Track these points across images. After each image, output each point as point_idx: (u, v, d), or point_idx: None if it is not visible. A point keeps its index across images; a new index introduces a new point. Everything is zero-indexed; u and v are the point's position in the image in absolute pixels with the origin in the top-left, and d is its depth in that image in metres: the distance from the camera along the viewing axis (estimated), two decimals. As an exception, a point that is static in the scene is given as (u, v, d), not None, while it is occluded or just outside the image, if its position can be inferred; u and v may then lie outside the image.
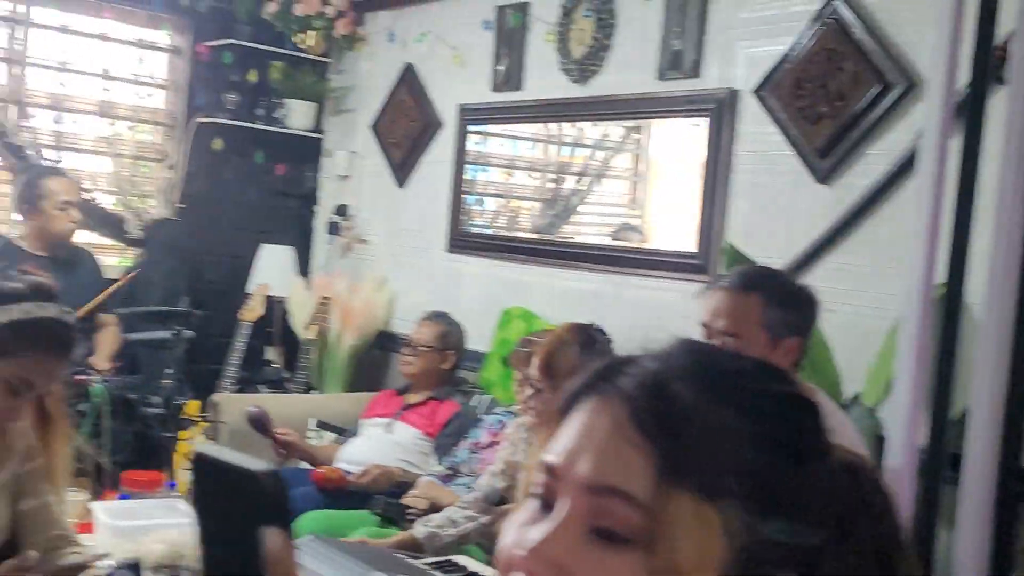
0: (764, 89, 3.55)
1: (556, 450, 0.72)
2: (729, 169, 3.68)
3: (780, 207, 3.53)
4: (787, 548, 0.68)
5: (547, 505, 0.72)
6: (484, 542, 3.08)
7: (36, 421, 2.17)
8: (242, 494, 0.60)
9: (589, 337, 2.98)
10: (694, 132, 3.81)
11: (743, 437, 0.68)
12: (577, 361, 2.85)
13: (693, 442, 0.67)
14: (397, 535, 3.03)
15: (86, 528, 2.73)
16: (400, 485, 3.66)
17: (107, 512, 2.68)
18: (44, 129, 5.05)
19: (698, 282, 3.71)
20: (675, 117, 3.93)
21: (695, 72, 3.79)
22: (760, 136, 3.59)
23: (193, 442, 4.00)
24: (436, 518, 3.06)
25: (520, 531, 0.72)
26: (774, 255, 3.39)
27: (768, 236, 3.54)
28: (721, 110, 3.67)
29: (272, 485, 0.60)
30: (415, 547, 2.94)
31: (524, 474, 2.97)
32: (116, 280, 4.67)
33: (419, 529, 2.99)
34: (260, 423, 3.80)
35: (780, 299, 2.35)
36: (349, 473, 3.75)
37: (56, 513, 2.21)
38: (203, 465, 0.62)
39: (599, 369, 0.75)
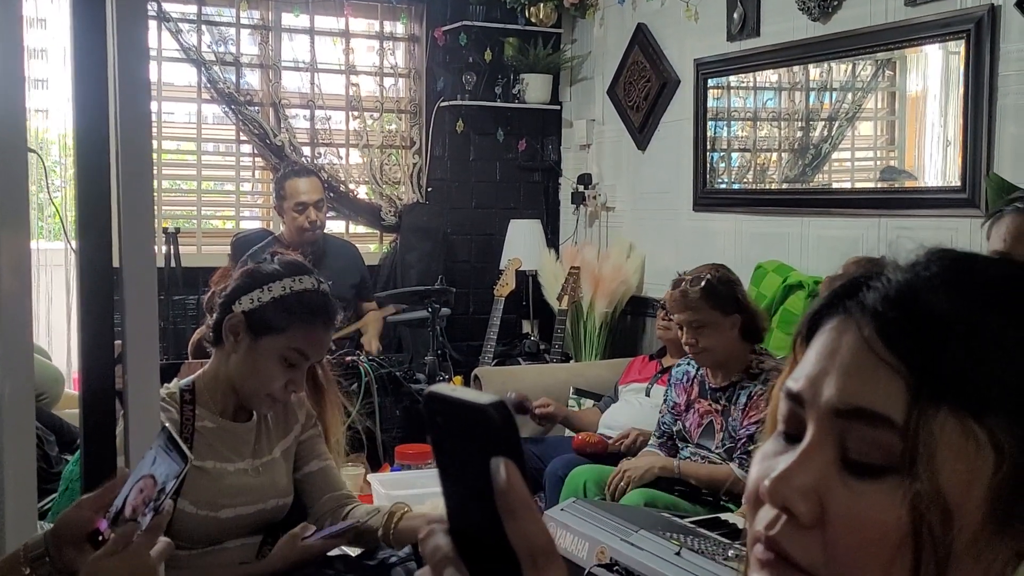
0: (1029, 0, 3.26)
1: (798, 376, 0.68)
2: (993, 93, 3.40)
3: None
4: None
5: (792, 437, 0.67)
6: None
7: (310, 391, 2.31)
8: (471, 427, 0.61)
9: None
10: (951, 58, 3.55)
11: (1008, 345, 0.62)
12: None
13: (951, 355, 0.62)
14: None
15: (366, 499, 2.87)
16: None
17: (383, 483, 2.81)
18: (300, 128, 5.32)
19: (966, 217, 3.47)
20: (928, 44, 3.67)
21: (948, -9, 3.52)
22: (1027, 53, 3.30)
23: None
24: None
25: (766, 464, 0.68)
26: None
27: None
28: (980, 30, 3.40)
29: (499, 416, 0.60)
30: None
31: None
32: (374, 266, 4.87)
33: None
34: (520, 406, 4.02)
35: None
36: (609, 438, 3.78)
37: (336, 474, 2.33)
38: (435, 404, 0.63)
39: (839, 287, 0.69)
